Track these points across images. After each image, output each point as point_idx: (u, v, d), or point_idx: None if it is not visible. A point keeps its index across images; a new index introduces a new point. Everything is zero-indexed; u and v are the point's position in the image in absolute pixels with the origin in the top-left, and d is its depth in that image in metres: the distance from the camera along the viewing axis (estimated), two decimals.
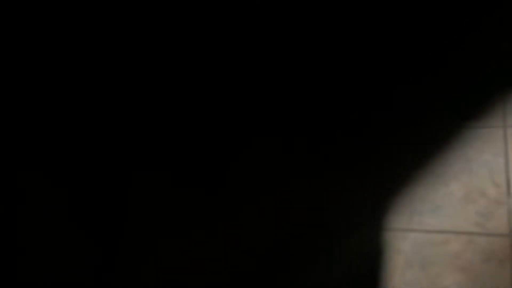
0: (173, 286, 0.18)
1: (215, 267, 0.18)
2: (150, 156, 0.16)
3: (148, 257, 0.17)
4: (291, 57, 0.15)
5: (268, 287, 0.18)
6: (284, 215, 0.17)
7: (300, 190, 0.17)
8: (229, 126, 0.16)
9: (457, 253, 0.87)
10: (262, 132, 0.15)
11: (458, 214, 0.92)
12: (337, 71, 0.15)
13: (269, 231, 0.17)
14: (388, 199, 0.20)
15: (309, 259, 0.19)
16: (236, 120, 0.16)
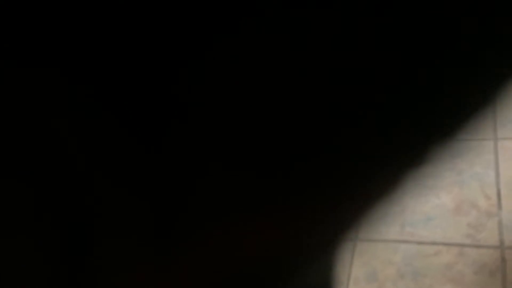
0: None
1: None
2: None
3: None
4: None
5: None
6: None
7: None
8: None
9: (448, 265, 0.87)
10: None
11: (449, 226, 0.92)
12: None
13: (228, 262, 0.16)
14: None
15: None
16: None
